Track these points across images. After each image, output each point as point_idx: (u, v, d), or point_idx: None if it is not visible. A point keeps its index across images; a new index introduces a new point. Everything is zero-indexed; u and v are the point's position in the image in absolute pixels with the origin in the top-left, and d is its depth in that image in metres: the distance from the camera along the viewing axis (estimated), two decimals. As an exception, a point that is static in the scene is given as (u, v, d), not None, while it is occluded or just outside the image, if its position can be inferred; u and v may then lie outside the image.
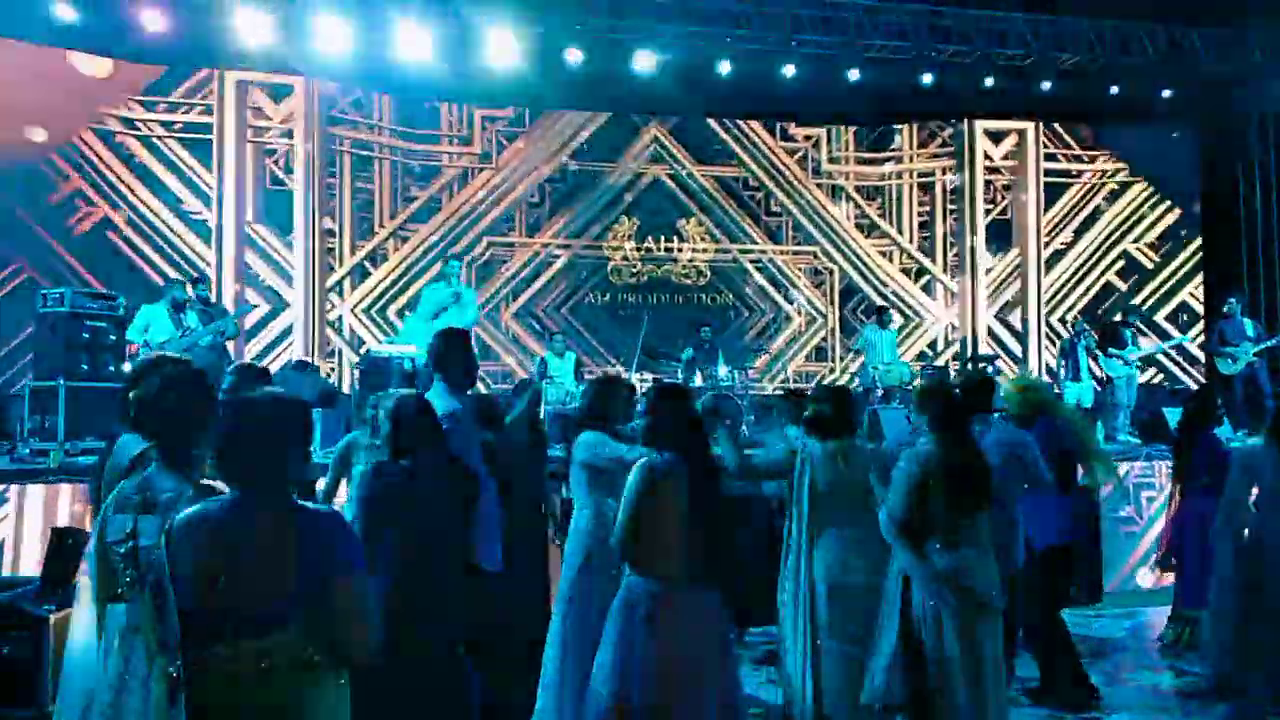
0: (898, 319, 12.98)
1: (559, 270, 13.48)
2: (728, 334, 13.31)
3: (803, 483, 3.87)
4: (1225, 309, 9.75)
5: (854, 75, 11.56)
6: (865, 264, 14.20)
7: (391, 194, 13.04)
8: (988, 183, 13.86)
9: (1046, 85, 11.67)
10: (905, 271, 14.26)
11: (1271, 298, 11.40)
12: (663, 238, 13.76)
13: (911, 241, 14.24)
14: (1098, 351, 9.45)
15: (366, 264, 12.79)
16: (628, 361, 10.73)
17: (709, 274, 13.82)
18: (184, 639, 2.04)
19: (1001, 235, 13.80)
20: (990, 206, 13.85)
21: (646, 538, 3.20)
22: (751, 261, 14.00)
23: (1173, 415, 7.21)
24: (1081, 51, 11.01)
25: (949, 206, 14.08)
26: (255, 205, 11.86)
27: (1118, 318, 11.27)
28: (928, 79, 11.61)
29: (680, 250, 13.74)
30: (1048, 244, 13.76)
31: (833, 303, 14.14)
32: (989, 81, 11.65)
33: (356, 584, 2.12)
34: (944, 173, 14.07)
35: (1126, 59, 11.02)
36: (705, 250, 13.82)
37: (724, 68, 11.38)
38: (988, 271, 13.71)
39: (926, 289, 14.16)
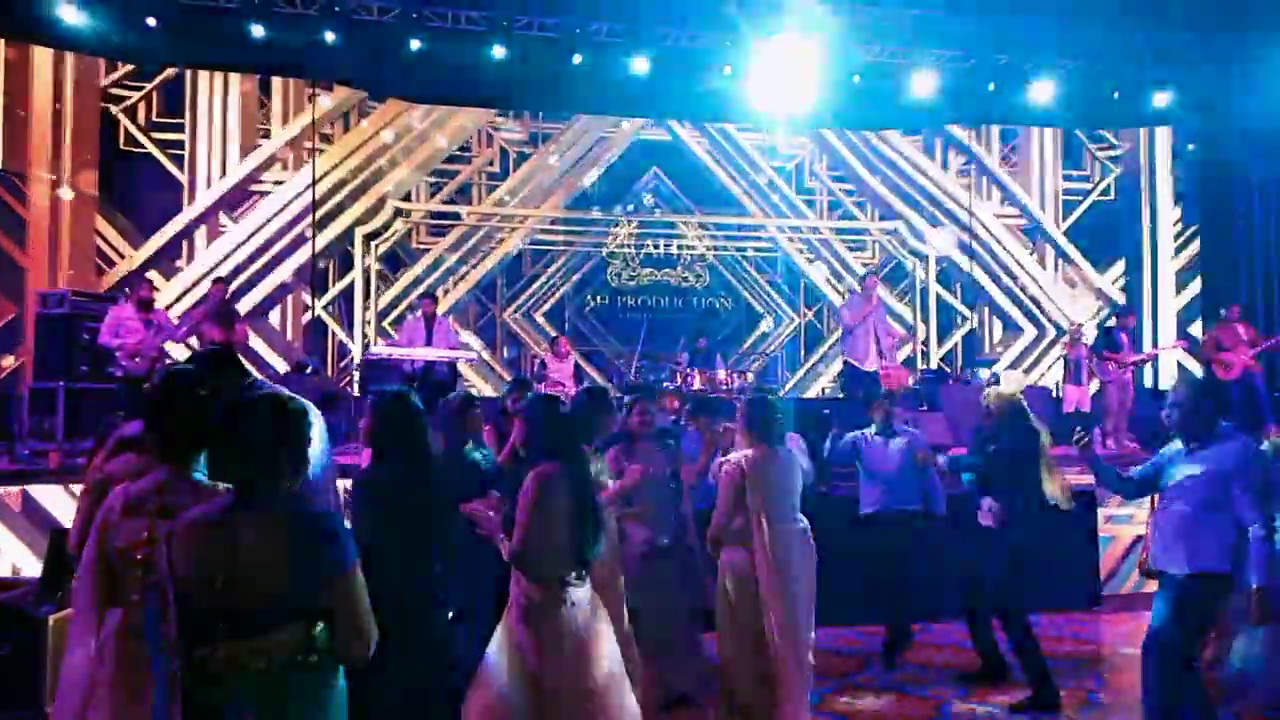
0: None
1: (511, 254, 10.28)
2: (729, 345, 10.78)
3: None
4: (1221, 314, 9.78)
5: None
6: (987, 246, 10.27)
7: (244, 125, 9.14)
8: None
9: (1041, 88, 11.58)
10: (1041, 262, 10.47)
11: (1268, 302, 11.38)
12: (659, 222, 10.47)
13: (1043, 211, 10.16)
14: (1093, 355, 9.49)
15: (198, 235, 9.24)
16: (612, 374, 10.05)
17: (717, 268, 10.97)
18: (183, 639, 2.09)
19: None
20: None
21: (540, 544, 3.29)
22: (798, 249, 10.68)
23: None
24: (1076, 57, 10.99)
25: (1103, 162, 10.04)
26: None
27: (1111, 322, 11.24)
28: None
29: (681, 241, 10.65)
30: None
31: (917, 303, 10.46)
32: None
33: (351, 584, 2.17)
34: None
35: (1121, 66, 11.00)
36: (712, 239, 10.63)
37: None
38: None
39: (1071, 283, 10.55)
